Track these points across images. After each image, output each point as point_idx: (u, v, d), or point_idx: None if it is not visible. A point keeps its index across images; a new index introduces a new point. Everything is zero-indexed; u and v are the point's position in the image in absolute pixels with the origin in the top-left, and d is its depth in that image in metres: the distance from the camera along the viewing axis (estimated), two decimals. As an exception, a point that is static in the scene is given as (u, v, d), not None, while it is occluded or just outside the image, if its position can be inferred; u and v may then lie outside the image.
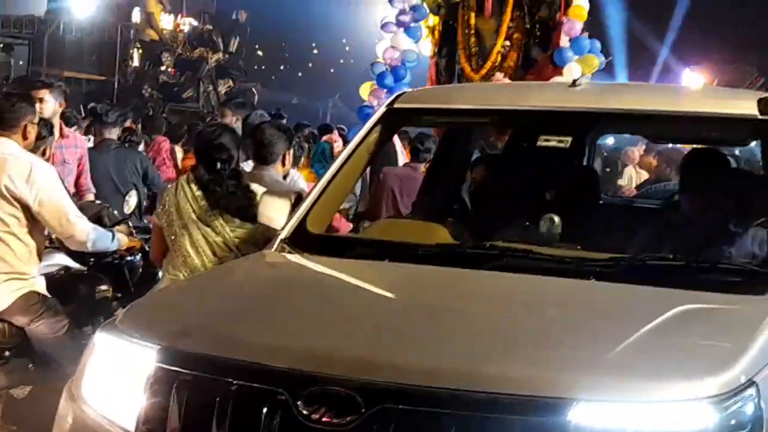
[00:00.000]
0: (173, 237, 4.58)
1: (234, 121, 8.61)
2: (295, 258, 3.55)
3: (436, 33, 11.78)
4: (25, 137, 4.77)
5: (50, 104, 6.24)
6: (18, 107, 4.78)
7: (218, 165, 4.54)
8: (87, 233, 4.78)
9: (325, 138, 11.41)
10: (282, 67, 30.13)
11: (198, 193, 4.57)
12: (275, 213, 4.31)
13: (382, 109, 4.15)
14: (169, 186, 5.03)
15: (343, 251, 3.60)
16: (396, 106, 4.11)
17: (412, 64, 11.94)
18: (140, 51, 17.07)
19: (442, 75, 11.59)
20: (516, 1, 11.01)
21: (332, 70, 29.94)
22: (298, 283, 3.40)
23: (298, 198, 4.22)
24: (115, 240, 5.03)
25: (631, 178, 11.23)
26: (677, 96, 4.40)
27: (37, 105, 5.27)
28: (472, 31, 11.20)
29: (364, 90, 12.04)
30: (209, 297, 3.22)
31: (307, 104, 25.95)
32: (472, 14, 11.21)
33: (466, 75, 11.16)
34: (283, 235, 3.67)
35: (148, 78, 16.80)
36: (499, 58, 11.10)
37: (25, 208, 4.63)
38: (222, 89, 17.20)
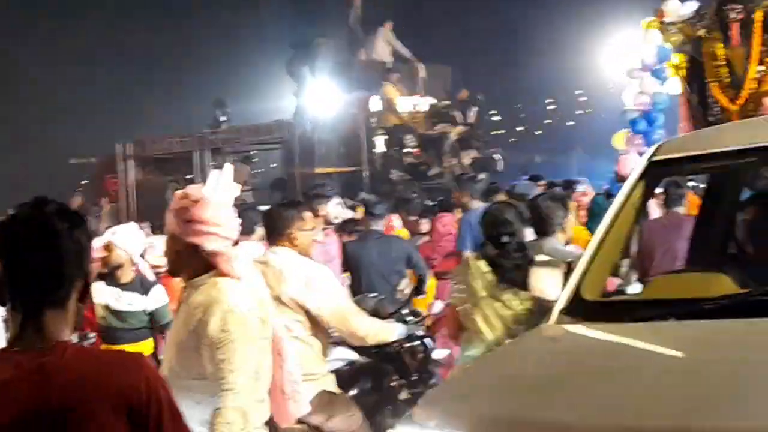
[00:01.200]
0: (466, 314, 4.69)
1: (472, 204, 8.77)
2: (575, 328, 3.49)
3: (683, 70, 11.56)
4: (294, 244, 5.00)
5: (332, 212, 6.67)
6: (285, 215, 5.04)
7: (503, 240, 4.64)
8: (367, 328, 4.94)
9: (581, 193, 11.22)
10: (520, 128, 30.12)
11: (486, 269, 4.68)
12: (545, 284, 4.29)
13: (643, 163, 4.04)
14: (460, 265, 5.19)
15: (623, 315, 3.51)
16: (657, 158, 3.99)
17: (663, 105, 11.77)
18: (384, 137, 17.61)
19: (697, 111, 11.31)
20: (764, 25, 10.61)
21: (571, 123, 29.59)
22: (586, 356, 3.33)
23: (569, 266, 4.17)
24: (394, 330, 5.17)
25: None
26: None
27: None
28: (722, 62, 10.88)
29: (618, 139, 12.01)
30: (500, 380, 3.21)
31: (551, 160, 25.77)
32: (719, 45, 10.91)
33: (723, 107, 10.84)
34: (560, 305, 3.63)
35: (394, 162, 17.26)
36: (755, 84, 10.69)
37: (307, 313, 4.84)
38: (466, 161, 17.41)
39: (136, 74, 24.42)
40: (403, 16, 20.52)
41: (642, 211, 4.13)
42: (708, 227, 4.74)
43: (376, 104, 18.12)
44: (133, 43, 23.63)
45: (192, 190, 3.56)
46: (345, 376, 5.33)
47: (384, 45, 19.91)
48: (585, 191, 10.87)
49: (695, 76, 11.43)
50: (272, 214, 5.11)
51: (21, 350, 2.34)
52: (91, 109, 23.52)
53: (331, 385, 5.00)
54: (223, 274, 3.45)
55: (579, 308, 3.59)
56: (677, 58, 11.71)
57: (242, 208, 6.12)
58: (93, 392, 2.29)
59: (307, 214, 5.11)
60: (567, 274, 3.89)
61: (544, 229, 5.22)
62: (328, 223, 6.87)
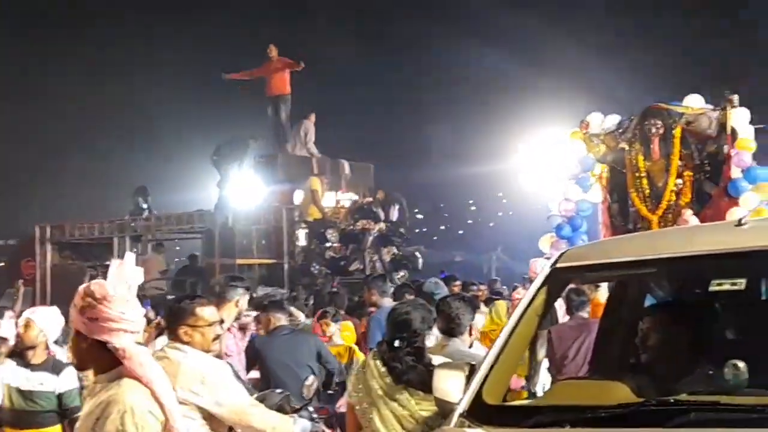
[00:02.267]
0: (364, 414, 4.67)
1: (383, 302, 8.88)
2: (475, 432, 3.52)
3: (605, 180, 12.05)
4: (185, 341, 4.85)
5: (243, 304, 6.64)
6: (179, 309, 4.97)
7: (397, 342, 4.66)
8: (266, 423, 4.87)
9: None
10: (442, 227, 30.48)
11: (383, 369, 4.68)
12: (447, 385, 4.31)
13: (547, 270, 4.14)
14: (359, 366, 5.17)
15: (522, 421, 3.55)
16: (560, 265, 4.09)
17: (587, 213, 12.21)
18: (306, 231, 17.66)
19: (617, 219, 11.75)
20: (682, 141, 11.09)
21: (491, 224, 30.07)
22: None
23: (472, 369, 4.21)
24: (296, 426, 5.10)
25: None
26: None
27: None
28: (642, 174, 11.33)
29: (544, 242, 12.40)
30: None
31: (472, 260, 26.05)
32: (640, 157, 11.36)
33: (643, 216, 11.26)
34: (460, 408, 3.66)
35: (315, 256, 17.29)
36: (674, 197, 11.13)
37: (201, 410, 4.75)
38: (387, 257, 17.52)
39: (59, 157, 24.21)
40: (327, 112, 20.83)
41: (544, 315, 4.19)
42: (610, 334, 4.83)
43: (298, 197, 18.23)
44: (58, 125, 23.49)
45: (96, 287, 3.53)
46: None
47: (311, 138, 20.17)
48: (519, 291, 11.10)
49: (616, 185, 11.87)
50: (170, 308, 5.08)
51: None
52: (13, 191, 23.18)
53: None
54: (129, 372, 3.47)
55: (480, 412, 3.62)
56: (599, 168, 12.19)
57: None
58: None
59: (206, 310, 4.97)
60: (469, 377, 3.93)
61: (451, 330, 5.26)
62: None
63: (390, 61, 25.18)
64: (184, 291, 15.57)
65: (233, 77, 20.19)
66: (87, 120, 23.40)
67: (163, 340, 6.15)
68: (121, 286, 3.54)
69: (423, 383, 4.52)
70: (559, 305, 9.06)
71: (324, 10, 25.43)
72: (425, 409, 4.52)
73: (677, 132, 11.16)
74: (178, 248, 24.90)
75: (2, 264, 20.24)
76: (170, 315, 5.01)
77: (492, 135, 21.24)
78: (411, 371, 4.58)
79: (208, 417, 4.76)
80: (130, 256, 3.70)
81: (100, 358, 3.52)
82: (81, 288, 3.59)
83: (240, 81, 20.35)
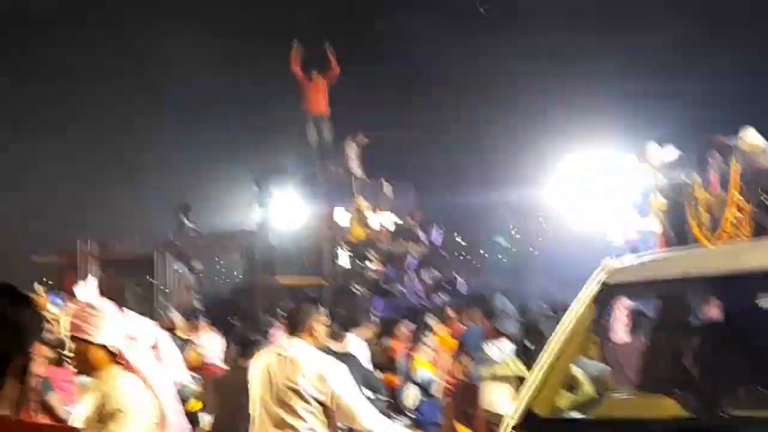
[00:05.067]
0: None
1: None
2: (526, 444, 3.54)
3: (664, 210, 12.15)
4: (311, 335, 5.19)
5: None
6: (304, 308, 5.28)
7: None
8: (377, 426, 5.05)
9: None
10: (484, 253, 30.36)
11: None
12: (498, 397, 4.35)
13: (595, 286, 4.15)
14: None
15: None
16: (609, 281, 4.11)
17: (645, 241, 12.24)
18: (347, 251, 17.74)
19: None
20: (742, 174, 11.13)
21: (532, 250, 29.86)
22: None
23: (521, 382, 4.24)
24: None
25: None
26: None
27: None
28: (701, 205, 11.39)
29: None
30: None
31: (513, 287, 25.89)
32: (699, 189, 11.41)
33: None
34: (512, 422, 3.68)
35: (355, 276, 17.35)
36: (733, 229, 11.13)
37: (322, 405, 4.96)
38: (428, 280, 17.53)
39: (103, 175, 24.51)
40: (368, 130, 20.85)
41: (591, 330, 4.22)
42: (659, 350, 4.83)
43: (340, 217, 18.30)
44: (103, 143, 23.81)
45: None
46: None
47: (354, 158, 20.22)
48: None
49: (675, 215, 11.91)
50: (293, 308, 5.35)
51: None
52: (56, 207, 23.50)
53: None
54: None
55: (530, 424, 3.64)
56: (659, 198, 12.27)
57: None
58: None
59: (323, 312, 5.43)
60: (519, 389, 3.95)
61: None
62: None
63: (435, 79, 25.25)
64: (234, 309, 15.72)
65: (296, 68, 19.46)
66: (132, 138, 23.70)
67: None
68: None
69: None
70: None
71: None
72: None
73: (734, 166, 11.16)
74: (220, 267, 25.09)
75: (50, 282, 20.51)
76: (296, 314, 5.26)
77: (533, 159, 21.20)
78: None
79: (326, 412, 4.97)
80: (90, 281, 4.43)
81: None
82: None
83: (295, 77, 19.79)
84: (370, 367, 9.05)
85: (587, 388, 4.68)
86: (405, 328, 10.97)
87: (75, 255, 19.11)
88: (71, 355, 4.48)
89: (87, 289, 4.86)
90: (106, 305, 4.64)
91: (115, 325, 4.49)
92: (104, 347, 4.40)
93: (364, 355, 9.34)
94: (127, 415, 4.16)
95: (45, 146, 22.93)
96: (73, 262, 19.06)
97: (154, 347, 6.71)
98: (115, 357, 4.45)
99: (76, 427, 2.92)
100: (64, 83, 23.97)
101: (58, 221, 22.20)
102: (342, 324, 9.52)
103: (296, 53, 19.22)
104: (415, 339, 9.74)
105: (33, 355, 2.52)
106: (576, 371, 4.89)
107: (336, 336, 9.01)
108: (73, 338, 4.40)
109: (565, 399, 4.67)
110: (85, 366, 4.41)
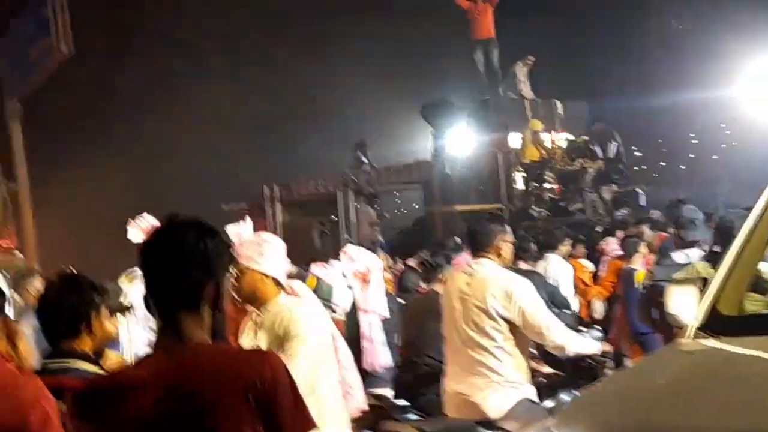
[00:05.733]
0: None
1: None
2: (711, 342, 3.53)
3: None
4: (499, 255, 5.28)
5: None
6: (489, 228, 5.34)
7: None
8: (566, 339, 5.14)
9: None
10: (662, 163, 29.50)
11: None
12: (682, 300, 4.34)
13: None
14: None
15: (761, 329, 3.54)
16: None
17: None
18: (523, 174, 17.67)
19: None
20: None
21: (715, 157, 28.85)
22: (719, 368, 3.38)
23: (704, 283, 4.21)
24: (591, 345, 5.35)
25: None
26: None
27: None
28: None
29: None
30: (633, 391, 3.28)
31: (696, 196, 25.13)
32: None
33: None
34: (696, 321, 3.68)
35: (533, 198, 17.29)
36: None
37: (509, 323, 5.09)
38: (607, 195, 17.26)
39: (281, 118, 25.22)
40: (536, 51, 20.54)
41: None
42: None
43: (513, 141, 18.22)
44: (282, 87, 24.47)
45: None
46: (543, 388, 5.55)
47: (525, 81, 20.03)
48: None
49: None
50: (476, 228, 5.39)
51: (162, 351, 2.60)
52: (236, 154, 24.39)
53: (531, 394, 5.24)
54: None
55: (716, 323, 3.63)
56: None
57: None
58: (222, 382, 2.51)
59: (508, 228, 5.47)
60: (703, 291, 3.94)
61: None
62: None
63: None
64: (416, 239, 16.01)
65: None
66: (308, 81, 24.26)
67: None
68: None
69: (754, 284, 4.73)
70: None
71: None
72: (760, 308, 4.70)
73: None
74: (398, 200, 25.53)
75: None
76: (480, 234, 5.33)
77: (711, 59, 20.35)
78: None
79: (513, 331, 5.09)
80: (247, 222, 4.89)
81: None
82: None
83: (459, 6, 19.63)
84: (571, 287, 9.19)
85: None
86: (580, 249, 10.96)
87: (261, 200, 19.79)
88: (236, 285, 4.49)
89: (244, 229, 4.96)
90: (271, 237, 4.74)
91: (280, 256, 4.58)
92: (273, 279, 4.49)
93: (567, 273, 9.46)
94: (304, 340, 4.25)
95: (225, 98, 23.78)
96: (260, 207, 19.75)
97: (365, 277, 6.99)
98: (282, 286, 4.54)
99: (269, 351, 3.14)
100: (245, 36, 24.73)
101: (239, 170, 23.10)
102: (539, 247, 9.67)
103: None
104: (630, 251, 9.61)
105: (226, 283, 2.66)
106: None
107: (532, 258, 9.14)
108: (240, 269, 4.44)
109: (753, 300, 4.63)
110: (253, 296, 4.49)
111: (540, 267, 9.46)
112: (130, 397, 2.52)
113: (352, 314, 7.00)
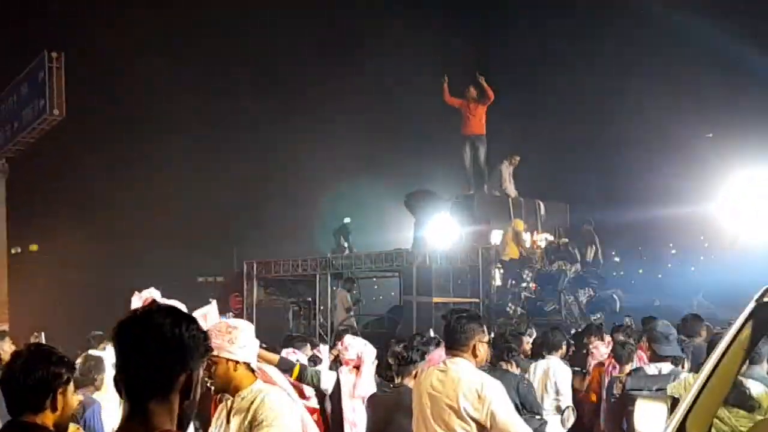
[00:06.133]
0: None
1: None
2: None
3: None
4: (474, 355, 5.28)
5: None
6: (467, 327, 5.32)
7: None
8: None
9: None
10: (640, 271, 29.68)
11: None
12: (650, 417, 4.36)
13: (752, 305, 4.12)
14: None
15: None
16: (766, 299, 4.07)
17: None
18: (502, 271, 17.75)
19: None
20: None
21: (692, 269, 29.04)
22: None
23: (674, 402, 4.24)
24: None
25: None
26: None
27: None
28: None
29: None
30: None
31: (670, 305, 25.27)
32: None
33: None
34: (664, 439, 3.70)
35: (510, 295, 17.34)
36: None
37: (478, 424, 5.06)
38: (583, 299, 17.34)
39: (266, 200, 25.35)
40: (521, 151, 20.88)
41: (749, 350, 4.17)
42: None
43: (495, 238, 18.34)
44: (265, 172, 24.64)
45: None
46: None
47: (509, 179, 20.28)
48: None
49: None
50: (455, 326, 5.38)
51: None
52: (222, 231, 24.42)
53: None
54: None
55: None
56: None
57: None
58: None
59: (485, 328, 5.46)
60: (672, 409, 3.96)
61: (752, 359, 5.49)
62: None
63: (586, 99, 24.99)
64: (389, 327, 15.98)
65: (449, 100, 19.75)
66: (293, 166, 24.46)
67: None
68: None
69: (741, 401, 4.77)
70: None
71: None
72: (744, 426, 4.69)
73: None
74: (376, 287, 25.54)
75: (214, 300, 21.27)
76: (458, 332, 5.32)
77: (692, 176, 20.70)
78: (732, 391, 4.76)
79: (479, 430, 5.07)
80: (213, 305, 4.99)
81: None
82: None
83: (450, 106, 20.07)
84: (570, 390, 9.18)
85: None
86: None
87: (240, 276, 19.78)
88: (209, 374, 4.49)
89: (210, 312, 4.97)
90: (240, 322, 4.72)
91: (251, 340, 4.58)
92: (246, 364, 4.50)
93: (568, 375, 9.45)
94: (275, 426, 4.24)
95: (206, 172, 23.89)
96: (238, 283, 19.73)
97: (357, 364, 7.20)
98: (254, 373, 4.55)
99: None
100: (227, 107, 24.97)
101: (223, 246, 23.10)
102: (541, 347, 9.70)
103: (446, 86, 19.45)
104: (622, 357, 9.61)
105: (198, 372, 2.60)
106: (755, 389, 4.92)
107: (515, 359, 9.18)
108: (211, 358, 4.39)
109: (737, 416, 4.69)
110: (226, 384, 4.48)
111: (540, 368, 9.48)
112: None
113: (336, 398, 7.13)
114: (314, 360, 9.25)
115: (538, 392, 8.90)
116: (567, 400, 9.06)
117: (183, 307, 4.81)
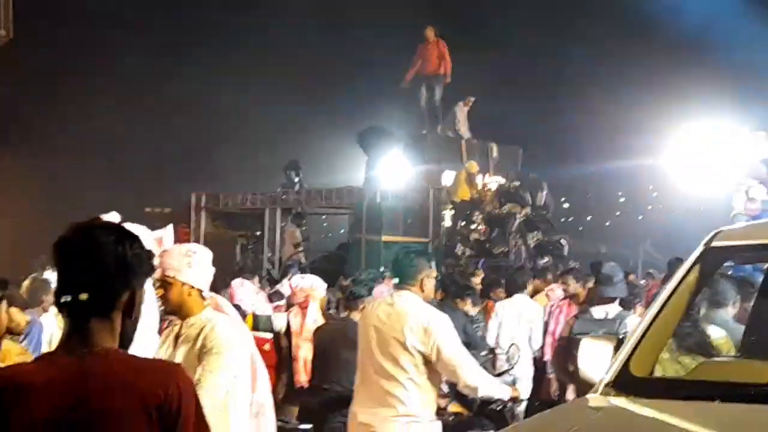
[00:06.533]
0: None
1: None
2: (620, 402, 3.55)
3: None
4: (422, 289, 5.27)
5: None
6: (416, 262, 5.32)
7: None
8: (479, 380, 5.13)
9: None
10: (589, 218, 30.02)
11: None
12: (595, 357, 4.37)
13: (700, 249, 4.11)
14: None
15: (670, 393, 3.57)
16: (714, 244, 4.07)
17: None
18: (452, 212, 17.76)
19: None
20: None
21: (640, 218, 29.43)
22: (623, 427, 3.40)
23: (619, 342, 4.23)
24: (502, 389, 5.34)
25: None
26: None
27: None
28: None
29: None
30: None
31: (617, 252, 25.62)
32: None
33: None
34: (606, 378, 3.69)
35: (459, 237, 17.38)
36: None
37: (424, 357, 5.06)
38: (531, 242, 17.44)
39: (216, 130, 25.06)
40: (477, 92, 20.82)
41: (696, 293, 4.18)
42: (761, 317, 4.77)
43: (447, 178, 18.33)
44: (218, 99, 24.31)
45: None
46: (450, 427, 5.61)
47: (464, 121, 20.22)
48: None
49: None
50: (404, 261, 5.38)
51: (65, 354, 2.49)
52: (170, 160, 24.14)
53: (436, 430, 5.24)
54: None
55: (626, 383, 3.65)
56: None
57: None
58: (125, 394, 2.43)
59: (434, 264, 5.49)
60: (616, 349, 3.96)
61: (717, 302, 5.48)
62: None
63: (547, 45, 24.95)
64: (338, 264, 15.98)
65: (408, 79, 20.05)
66: (247, 94, 24.14)
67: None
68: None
69: (701, 346, 4.79)
70: None
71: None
72: None
73: None
74: (326, 224, 25.46)
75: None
76: (403, 266, 5.31)
77: (646, 127, 20.81)
78: (689, 337, 4.78)
79: (428, 366, 5.08)
80: (168, 229, 5.06)
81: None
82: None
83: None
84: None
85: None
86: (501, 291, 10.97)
87: (188, 207, 19.54)
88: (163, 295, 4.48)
89: (165, 236, 4.93)
90: (199, 248, 4.68)
91: (207, 267, 4.53)
92: (199, 291, 4.46)
93: (540, 313, 9.52)
94: (223, 355, 4.23)
95: (161, 103, 23.52)
96: (185, 214, 19.49)
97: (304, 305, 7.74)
98: (204, 299, 4.51)
99: (177, 363, 3.04)
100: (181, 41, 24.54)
101: (171, 176, 22.84)
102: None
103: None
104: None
105: (141, 291, 2.58)
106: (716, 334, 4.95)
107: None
108: (163, 278, 4.42)
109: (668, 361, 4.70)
110: (178, 307, 4.46)
111: (511, 306, 9.53)
112: (22, 399, 2.41)
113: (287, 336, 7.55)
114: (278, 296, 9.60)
115: (510, 330, 9.02)
116: (538, 336, 9.17)
117: (148, 234, 4.79)
